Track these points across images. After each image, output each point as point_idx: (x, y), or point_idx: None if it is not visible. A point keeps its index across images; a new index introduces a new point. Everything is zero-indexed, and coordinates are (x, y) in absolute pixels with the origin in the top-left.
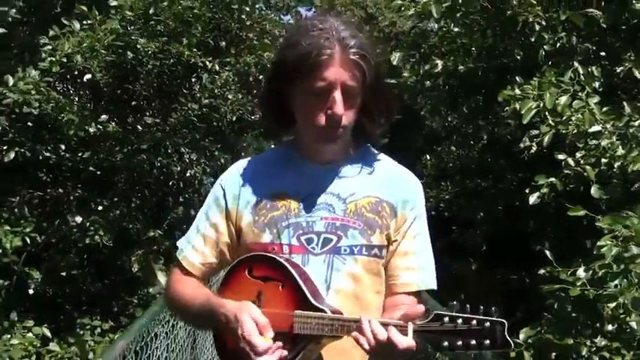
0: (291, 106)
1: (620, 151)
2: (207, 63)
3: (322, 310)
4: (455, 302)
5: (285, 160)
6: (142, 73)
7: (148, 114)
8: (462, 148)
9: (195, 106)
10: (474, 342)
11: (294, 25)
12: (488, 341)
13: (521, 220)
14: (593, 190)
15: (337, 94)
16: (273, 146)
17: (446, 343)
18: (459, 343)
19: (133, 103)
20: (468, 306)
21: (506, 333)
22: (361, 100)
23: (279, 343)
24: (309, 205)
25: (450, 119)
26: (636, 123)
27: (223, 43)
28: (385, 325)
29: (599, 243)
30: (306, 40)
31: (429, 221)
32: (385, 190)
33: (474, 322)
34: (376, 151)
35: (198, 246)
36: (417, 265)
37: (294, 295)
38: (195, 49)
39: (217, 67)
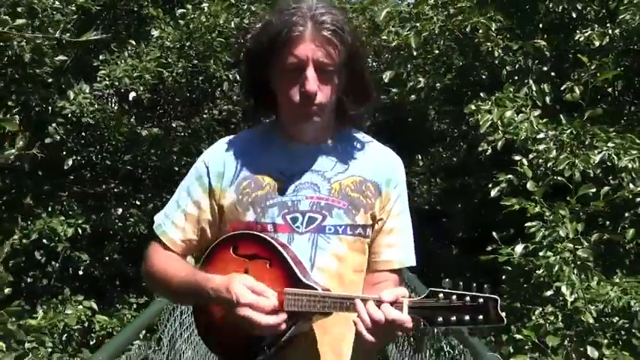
0: (272, 88)
1: (554, 154)
2: (230, 76)
3: (313, 288)
4: (447, 279)
5: (269, 140)
6: (175, 87)
7: (174, 118)
8: (448, 151)
9: (215, 112)
10: (467, 317)
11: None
12: (481, 317)
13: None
14: (529, 185)
15: (310, 71)
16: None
17: (440, 319)
18: (453, 318)
19: (162, 110)
20: (461, 283)
21: (499, 309)
22: (340, 79)
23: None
24: (293, 184)
25: (438, 125)
26: (567, 131)
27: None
28: (379, 302)
29: (526, 224)
30: (278, 19)
31: (421, 213)
32: (369, 169)
33: (468, 298)
34: (360, 132)
35: (178, 222)
36: (400, 243)
37: (283, 273)
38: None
39: (238, 77)
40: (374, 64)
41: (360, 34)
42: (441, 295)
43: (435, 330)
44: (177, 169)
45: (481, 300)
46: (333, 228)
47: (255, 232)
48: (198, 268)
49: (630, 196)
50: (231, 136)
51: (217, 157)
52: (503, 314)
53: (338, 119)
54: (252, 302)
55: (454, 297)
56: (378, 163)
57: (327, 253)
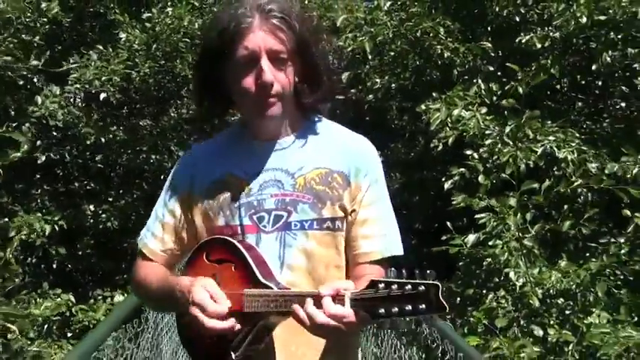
0: (225, 87)
1: (499, 147)
2: None
3: (268, 287)
4: (392, 269)
5: (236, 141)
6: (142, 87)
7: (142, 117)
8: (406, 146)
9: (184, 111)
10: (409, 307)
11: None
12: (423, 305)
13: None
14: (480, 178)
15: (264, 61)
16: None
17: (382, 310)
18: (395, 309)
19: (130, 109)
20: (403, 271)
21: (440, 296)
22: (295, 66)
23: (231, 318)
24: (258, 183)
25: (397, 122)
26: (510, 127)
27: None
28: (320, 298)
29: (476, 216)
30: (226, 13)
31: None
32: (336, 159)
33: (409, 286)
34: (326, 121)
35: (157, 233)
36: (377, 232)
37: (245, 275)
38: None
39: None
40: (335, 62)
41: (309, 21)
42: (381, 285)
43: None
44: (146, 167)
45: (422, 288)
46: (299, 224)
47: (223, 237)
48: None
49: (568, 191)
50: (205, 141)
51: (187, 165)
52: (445, 301)
53: (298, 109)
54: (201, 302)
55: (394, 286)
56: (346, 153)
57: (295, 249)
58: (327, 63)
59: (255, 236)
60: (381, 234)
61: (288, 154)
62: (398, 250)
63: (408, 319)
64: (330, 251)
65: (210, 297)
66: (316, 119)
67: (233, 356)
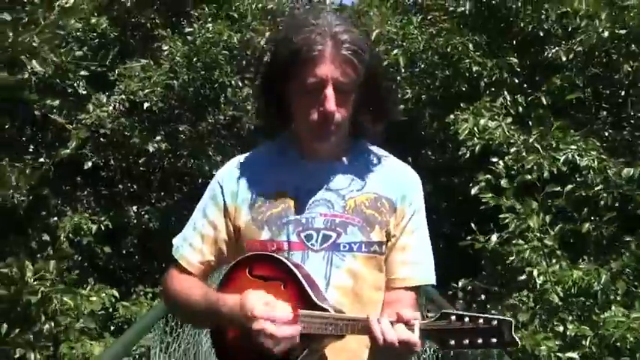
0: (287, 103)
1: (523, 155)
2: (232, 82)
3: (326, 310)
4: (460, 303)
5: (283, 157)
6: (182, 94)
7: (182, 123)
8: (436, 153)
9: (220, 117)
10: (480, 340)
11: (288, 21)
12: (494, 339)
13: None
14: (503, 182)
15: (329, 91)
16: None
17: (452, 342)
18: (466, 341)
19: (168, 114)
20: (474, 305)
21: (513, 331)
22: (356, 97)
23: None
24: (307, 202)
25: (427, 130)
26: (534, 136)
27: (244, 62)
28: (392, 322)
29: (500, 216)
30: (298, 36)
31: None
32: (384, 185)
33: (481, 320)
34: (374, 147)
35: (195, 244)
36: (415, 260)
37: (297, 294)
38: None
39: (240, 83)
40: None
41: (378, 53)
42: (453, 317)
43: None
44: (186, 170)
45: (495, 322)
46: (348, 245)
47: (270, 253)
48: (216, 290)
49: (589, 194)
50: (246, 154)
51: (231, 176)
52: (518, 336)
53: (353, 134)
54: (266, 314)
55: (466, 319)
56: (394, 180)
57: (342, 270)
58: (393, 96)
59: (301, 253)
60: (419, 262)
61: (339, 176)
62: (432, 279)
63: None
64: (375, 273)
65: (267, 305)
66: (367, 144)
67: None
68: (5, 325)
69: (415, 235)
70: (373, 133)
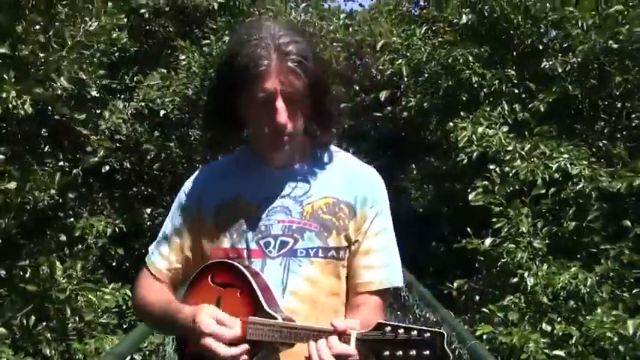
0: (238, 113)
1: (518, 163)
2: None
3: (274, 317)
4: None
5: (245, 165)
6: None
7: (192, 128)
8: (438, 160)
9: None
10: (413, 352)
11: (234, 35)
12: (427, 352)
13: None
14: (497, 188)
15: (279, 103)
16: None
17: (387, 353)
18: (399, 353)
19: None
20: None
21: (445, 344)
22: (306, 105)
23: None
24: (266, 209)
25: (430, 137)
26: (529, 145)
27: None
28: (326, 335)
29: (493, 220)
30: (243, 50)
31: (418, 215)
32: (343, 189)
33: (415, 332)
34: (335, 149)
35: (163, 252)
36: (380, 263)
37: (250, 302)
38: None
39: None
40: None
41: (323, 63)
42: (388, 328)
43: None
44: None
45: (427, 334)
46: (305, 251)
47: (229, 261)
48: (182, 297)
49: (572, 194)
50: (212, 163)
51: (195, 185)
52: (449, 350)
53: (310, 139)
54: (213, 332)
55: (401, 330)
56: (354, 183)
57: (299, 276)
58: (337, 103)
59: (260, 261)
60: (383, 264)
61: (296, 182)
62: (398, 281)
63: None
64: (333, 279)
65: (220, 323)
66: (325, 149)
67: None
68: (33, 318)
69: (378, 237)
70: (322, 142)
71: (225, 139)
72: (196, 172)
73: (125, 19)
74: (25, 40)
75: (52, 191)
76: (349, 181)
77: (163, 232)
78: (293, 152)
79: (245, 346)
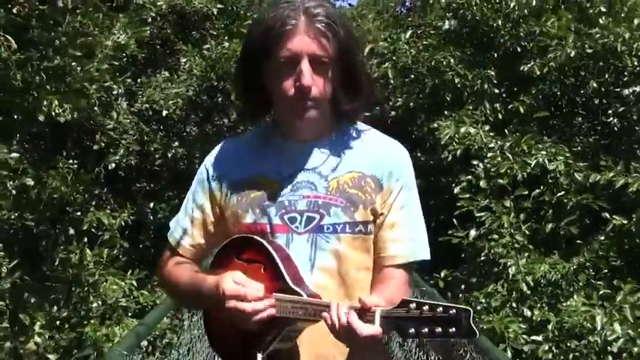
0: (267, 84)
1: (499, 160)
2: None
3: (298, 294)
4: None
5: (267, 140)
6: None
7: (189, 124)
8: (426, 155)
9: (225, 120)
10: (439, 329)
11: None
12: (453, 329)
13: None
14: (482, 183)
15: (304, 65)
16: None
17: (412, 330)
18: (425, 330)
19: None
20: (435, 293)
21: (471, 321)
22: (335, 73)
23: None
24: (290, 184)
25: (417, 133)
26: (509, 143)
27: None
28: (352, 309)
29: (477, 214)
30: (271, 13)
31: None
32: (369, 163)
33: (440, 309)
34: (360, 125)
35: (186, 227)
36: (405, 237)
37: (275, 278)
38: None
39: None
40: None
41: (352, 29)
42: (412, 305)
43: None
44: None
45: (453, 311)
46: (332, 227)
47: (253, 236)
48: (206, 273)
49: (554, 199)
50: (232, 138)
51: (218, 160)
52: (475, 327)
53: (335, 114)
54: (236, 292)
55: (425, 307)
56: (379, 156)
57: (327, 252)
58: (367, 71)
59: (285, 236)
60: (408, 238)
61: (322, 157)
62: (425, 254)
63: (436, 340)
64: (361, 254)
65: (243, 285)
66: (351, 123)
67: (259, 357)
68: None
69: (404, 211)
70: (353, 114)
71: (256, 113)
72: (217, 148)
73: (148, 32)
74: (63, 53)
75: (80, 188)
76: (375, 154)
77: (185, 208)
78: (317, 124)
79: (270, 301)
